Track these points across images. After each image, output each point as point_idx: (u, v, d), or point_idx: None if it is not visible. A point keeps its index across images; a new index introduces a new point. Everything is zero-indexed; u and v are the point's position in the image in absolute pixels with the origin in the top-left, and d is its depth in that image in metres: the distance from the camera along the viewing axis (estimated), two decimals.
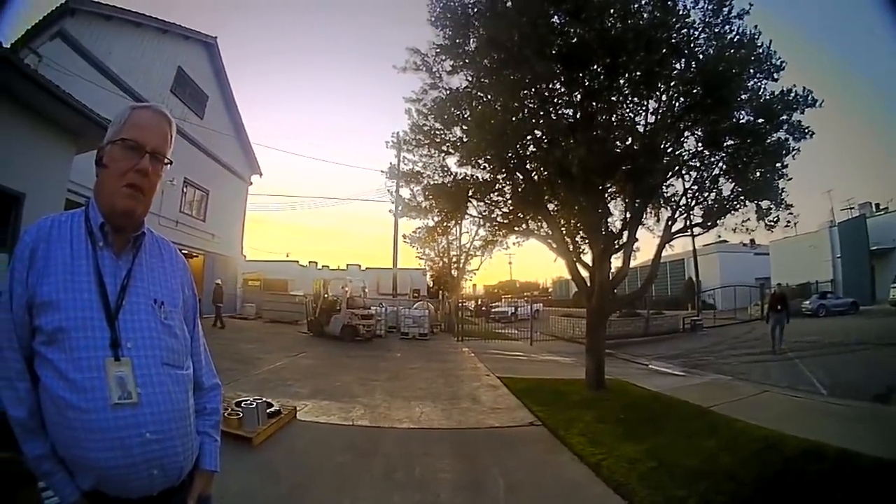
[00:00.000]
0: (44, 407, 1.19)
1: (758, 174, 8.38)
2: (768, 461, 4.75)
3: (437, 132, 9.10)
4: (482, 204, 9.74)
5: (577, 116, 8.07)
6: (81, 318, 1.19)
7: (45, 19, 12.40)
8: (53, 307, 1.18)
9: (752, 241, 9.24)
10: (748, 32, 7.58)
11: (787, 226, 8.62)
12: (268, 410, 5.53)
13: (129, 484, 1.19)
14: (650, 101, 8.20)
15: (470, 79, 8.52)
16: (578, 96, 8.15)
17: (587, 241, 9.06)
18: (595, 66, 7.77)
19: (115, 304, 1.24)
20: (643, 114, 8.32)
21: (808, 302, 23.91)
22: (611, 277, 8.88)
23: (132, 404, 1.18)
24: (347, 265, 37.86)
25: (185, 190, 19.49)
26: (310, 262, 38.78)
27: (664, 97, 8.11)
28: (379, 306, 20.06)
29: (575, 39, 7.50)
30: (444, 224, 10.57)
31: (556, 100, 8.28)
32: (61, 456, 1.19)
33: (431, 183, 9.57)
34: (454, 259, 27.17)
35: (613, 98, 8.02)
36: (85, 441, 1.14)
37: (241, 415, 5.14)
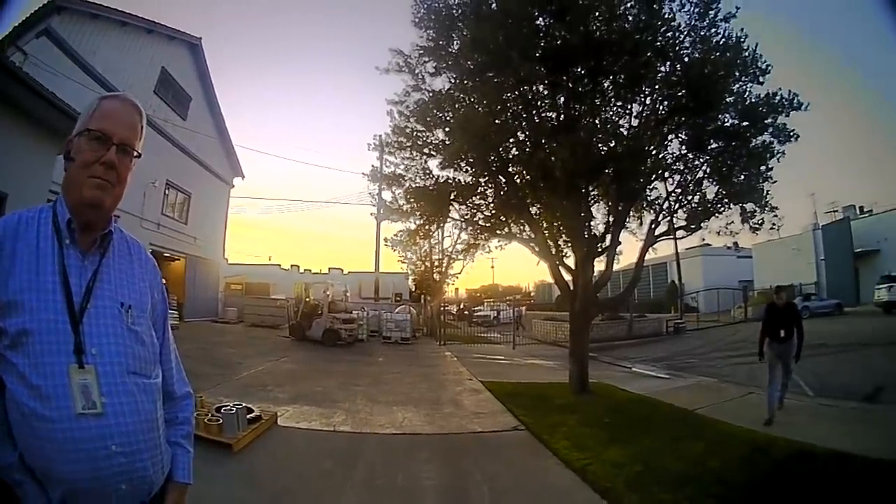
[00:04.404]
0: (10, 414, 1.10)
1: (742, 177, 8.43)
2: (757, 463, 4.75)
3: (420, 134, 9.03)
4: (464, 207, 9.70)
5: (561, 119, 8.05)
6: (45, 320, 1.10)
7: (31, 17, 12.12)
8: (18, 308, 1.10)
9: (736, 244, 9.29)
10: (734, 36, 7.64)
11: (772, 228, 8.71)
12: (248, 416, 5.46)
13: (97, 499, 1.12)
14: (634, 104, 8.24)
15: (453, 81, 8.50)
16: (562, 99, 8.16)
17: (570, 244, 9.04)
18: (579, 69, 7.79)
19: (79, 307, 1.15)
20: (627, 117, 8.39)
21: None
22: (594, 281, 8.86)
23: (96, 415, 1.10)
24: (329, 269, 37.87)
25: (167, 192, 19.17)
26: (292, 266, 38.68)
27: (648, 100, 8.16)
28: (361, 310, 19.96)
29: (559, 42, 7.50)
30: (426, 227, 10.49)
31: (539, 102, 8.28)
32: (30, 466, 1.11)
33: (413, 186, 9.50)
34: (436, 263, 27.12)
35: (597, 101, 8.04)
36: (51, 452, 1.07)
37: (221, 421, 5.07)
